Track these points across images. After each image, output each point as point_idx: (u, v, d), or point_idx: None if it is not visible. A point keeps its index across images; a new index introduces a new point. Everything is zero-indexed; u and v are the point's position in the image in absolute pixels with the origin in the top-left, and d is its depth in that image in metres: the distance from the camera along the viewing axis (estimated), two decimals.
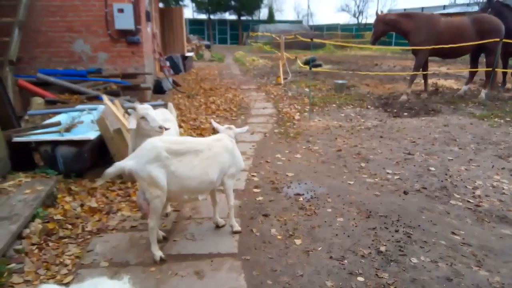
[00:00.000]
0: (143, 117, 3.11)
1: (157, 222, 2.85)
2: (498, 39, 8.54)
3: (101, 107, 4.93)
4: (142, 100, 6.94)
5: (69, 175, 4.24)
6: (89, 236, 3.24)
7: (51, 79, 6.50)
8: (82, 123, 4.67)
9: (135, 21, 7.51)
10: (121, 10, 7.37)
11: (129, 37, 7.63)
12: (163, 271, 2.78)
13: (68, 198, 3.81)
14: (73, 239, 3.18)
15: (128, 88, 7.12)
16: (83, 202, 3.76)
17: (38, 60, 7.36)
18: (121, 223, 3.45)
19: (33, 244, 3.00)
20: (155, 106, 3.77)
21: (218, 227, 3.39)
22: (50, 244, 3.06)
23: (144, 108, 3.16)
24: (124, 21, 7.43)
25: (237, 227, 3.32)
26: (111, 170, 2.69)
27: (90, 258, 2.93)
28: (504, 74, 11.06)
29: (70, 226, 3.34)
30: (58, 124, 4.49)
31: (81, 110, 5.04)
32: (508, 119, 7.52)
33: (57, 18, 7.32)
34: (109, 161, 4.30)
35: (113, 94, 6.42)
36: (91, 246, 3.08)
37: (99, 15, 7.45)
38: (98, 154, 4.49)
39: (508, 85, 11.02)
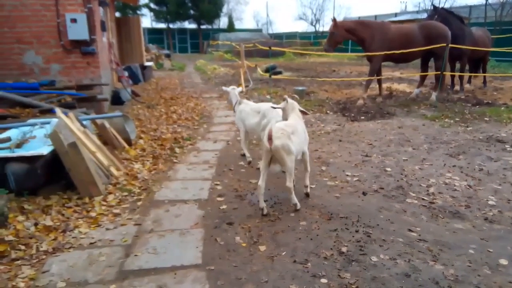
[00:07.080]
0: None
1: None
2: (445, 44, 9.07)
3: (54, 120, 4.73)
4: (100, 112, 6.74)
5: (22, 193, 4.02)
6: (44, 256, 3.08)
7: (0, 92, 6.16)
8: (34, 138, 4.45)
9: (89, 31, 7.32)
10: (74, 20, 7.16)
11: (83, 48, 7.42)
12: None
13: (20, 218, 3.60)
14: (26, 260, 3.02)
15: (84, 100, 6.87)
16: (37, 220, 3.58)
17: None
18: (78, 241, 3.32)
19: None
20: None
21: None
22: (1, 267, 2.89)
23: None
24: (77, 31, 7.22)
25: None
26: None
27: (46, 279, 2.78)
28: (452, 77, 11.73)
29: (23, 247, 3.16)
30: (8, 140, 4.26)
31: (33, 125, 4.81)
32: (457, 119, 7.97)
33: (5, 29, 7.01)
34: (65, 176, 4.14)
35: (68, 106, 6.18)
36: (46, 267, 2.94)
37: (51, 26, 7.20)
38: (53, 169, 4.28)
39: (456, 87, 11.69)
